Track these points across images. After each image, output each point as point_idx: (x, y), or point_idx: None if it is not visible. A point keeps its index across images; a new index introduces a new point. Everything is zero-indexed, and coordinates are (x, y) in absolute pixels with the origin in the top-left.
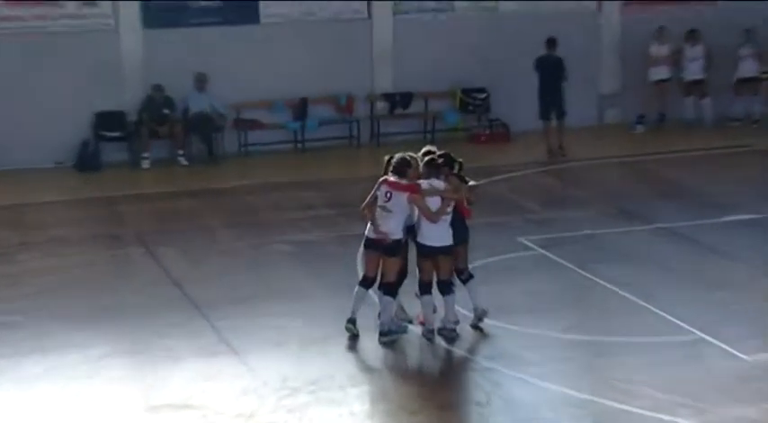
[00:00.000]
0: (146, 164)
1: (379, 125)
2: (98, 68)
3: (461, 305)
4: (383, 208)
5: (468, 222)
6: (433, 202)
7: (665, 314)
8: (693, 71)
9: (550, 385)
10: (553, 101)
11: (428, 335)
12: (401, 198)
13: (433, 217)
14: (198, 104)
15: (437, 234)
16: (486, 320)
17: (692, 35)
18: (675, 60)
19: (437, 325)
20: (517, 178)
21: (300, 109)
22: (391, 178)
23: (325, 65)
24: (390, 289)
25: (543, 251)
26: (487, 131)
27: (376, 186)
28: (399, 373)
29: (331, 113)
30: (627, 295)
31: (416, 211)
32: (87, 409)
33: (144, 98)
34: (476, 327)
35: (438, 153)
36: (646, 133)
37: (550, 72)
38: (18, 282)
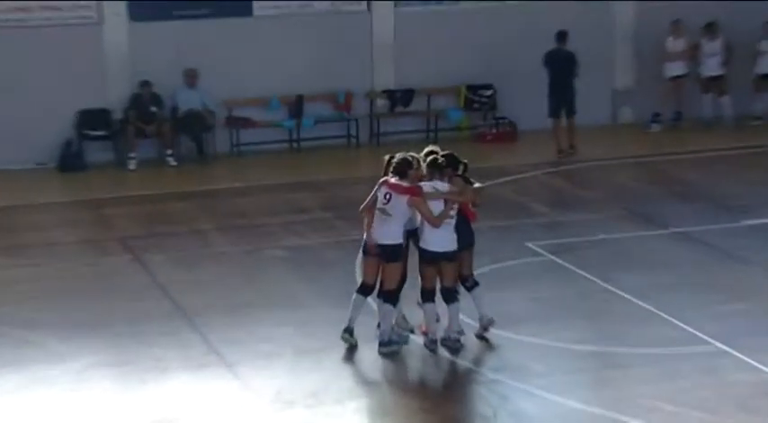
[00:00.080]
0: (132, 164)
1: (378, 124)
2: (81, 64)
3: (466, 314)
4: (382, 210)
5: (472, 226)
6: (436, 206)
7: (680, 323)
8: (711, 67)
9: (559, 398)
10: (563, 98)
11: (431, 345)
12: (401, 201)
13: (436, 221)
14: (187, 101)
15: (440, 239)
16: (492, 330)
17: (710, 28)
18: (692, 55)
19: (440, 335)
20: (525, 180)
21: (296, 106)
22: (391, 179)
23: (322, 60)
24: (390, 297)
25: (552, 257)
26: (493, 130)
27: (376, 187)
28: (400, 386)
29: (328, 111)
30: (640, 303)
31: (418, 215)
32: None
33: (130, 95)
34: (481, 337)
35: (441, 153)
36: (661, 132)
37: (561, 67)
38: None
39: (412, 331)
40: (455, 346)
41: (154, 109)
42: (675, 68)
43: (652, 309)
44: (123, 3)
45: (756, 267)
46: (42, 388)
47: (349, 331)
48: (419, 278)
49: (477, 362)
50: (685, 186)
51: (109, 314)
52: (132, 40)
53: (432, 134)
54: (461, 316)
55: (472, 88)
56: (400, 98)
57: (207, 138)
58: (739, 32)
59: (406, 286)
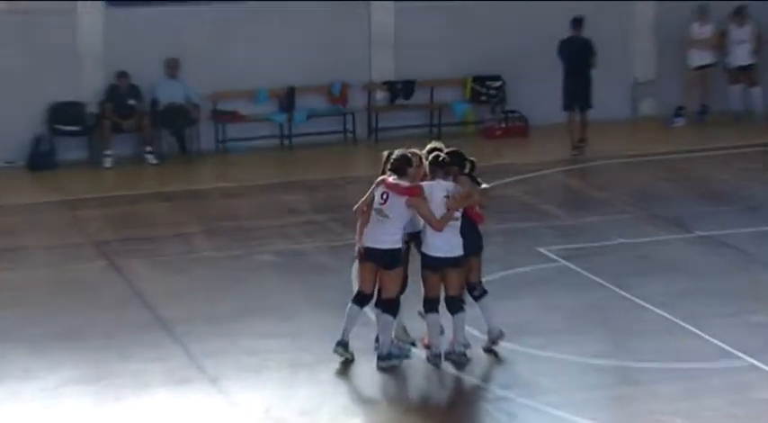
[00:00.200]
0: (108, 162)
1: (377, 118)
2: (53, 52)
3: (473, 325)
4: (379, 211)
5: (479, 229)
6: (438, 207)
7: (705, 335)
8: (740, 55)
9: (573, 417)
10: (579, 90)
11: (434, 359)
12: (399, 201)
13: (437, 224)
14: (169, 94)
15: (444, 243)
16: (501, 343)
17: (739, 14)
18: (719, 43)
19: (444, 348)
20: (537, 179)
21: (287, 99)
22: (390, 178)
23: (316, 48)
24: (390, 306)
25: (567, 263)
26: (503, 125)
27: (373, 186)
28: (401, 403)
29: (322, 104)
30: (661, 313)
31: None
32: None
33: (106, 87)
34: (489, 350)
35: (447, 150)
36: (685, 127)
37: (576, 56)
38: None
39: (413, 344)
40: (460, 361)
41: (132, 102)
42: (701, 57)
43: (674, 319)
44: None
45: None
46: (13, 405)
47: (343, 344)
48: (422, 286)
49: (485, 377)
50: (711, 186)
51: (83, 325)
52: (108, 26)
53: (435, 129)
54: (467, 327)
55: (479, 79)
56: (401, 90)
57: (190, 133)
58: None
59: (407, 294)
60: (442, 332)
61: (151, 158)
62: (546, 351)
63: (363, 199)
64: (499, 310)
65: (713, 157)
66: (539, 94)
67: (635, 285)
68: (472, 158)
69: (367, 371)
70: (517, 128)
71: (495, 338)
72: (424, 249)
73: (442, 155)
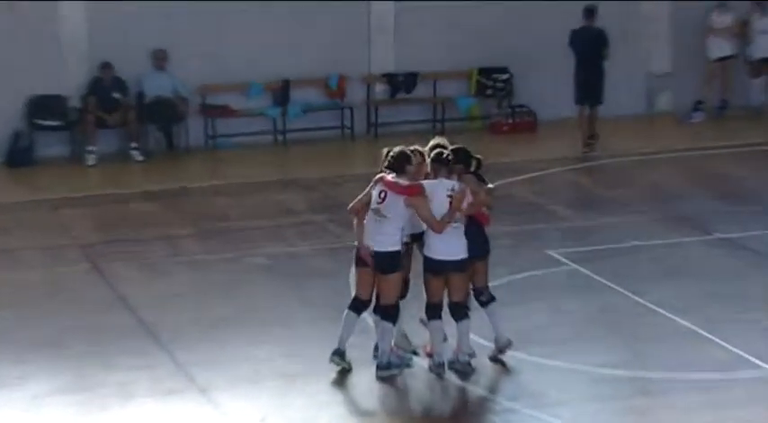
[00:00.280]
0: (91, 159)
1: (377, 113)
2: (33, 43)
3: (478, 333)
4: (376, 211)
5: (486, 231)
6: (440, 207)
7: (725, 343)
8: (763, 47)
9: None
10: (591, 83)
11: (437, 369)
12: (398, 200)
13: (437, 225)
14: (156, 87)
15: (447, 245)
16: (508, 352)
17: (762, 2)
18: (741, 33)
19: (448, 357)
20: (546, 178)
21: (281, 93)
22: (389, 176)
23: (312, 39)
24: (389, 313)
25: (577, 266)
26: (510, 120)
27: (371, 184)
28: (401, 415)
29: (319, 98)
30: (678, 320)
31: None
32: None
33: (89, 79)
34: (495, 359)
35: (452, 147)
36: (704, 123)
37: (589, 48)
38: None
39: (415, 352)
40: (465, 370)
41: (117, 95)
42: (721, 48)
43: (691, 326)
44: None
45: None
46: None
47: (339, 354)
48: (424, 291)
49: (491, 388)
50: (730, 185)
51: (66, 331)
52: (92, 15)
53: (438, 125)
54: (472, 335)
55: (485, 72)
56: (402, 83)
57: (178, 128)
58: None
59: (408, 299)
60: (445, 340)
61: (137, 155)
62: (555, 360)
63: (359, 198)
64: (505, 316)
65: (733, 154)
66: (548, 87)
67: (649, 290)
68: (478, 156)
69: (365, 381)
70: (525, 123)
71: (502, 347)
72: (425, 252)
73: (446, 152)
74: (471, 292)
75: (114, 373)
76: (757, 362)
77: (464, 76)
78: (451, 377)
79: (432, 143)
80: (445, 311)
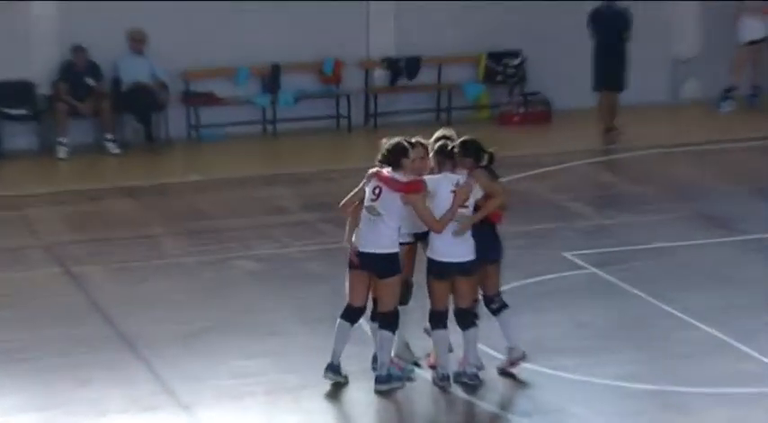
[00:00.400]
0: (62, 152)
1: (376, 101)
2: None
3: (486, 342)
4: (370, 209)
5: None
6: (443, 204)
7: (761, 356)
8: None
9: None
10: (612, 68)
11: (442, 382)
12: (394, 197)
13: (437, 225)
14: (133, 72)
15: (452, 246)
16: (520, 363)
17: None
18: None
19: (454, 369)
20: (562, 172)
21: (271, 79)
22: (384, 171)
23: (305, 20)
24: (388, 321)
25: (596, 270)
26: (522, 110)
27: (364, 179)
28: None
29: (312, 85)
30: (708, 329)
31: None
32: None
33: (60, 64)
34: (504, 373)
35: (462, 139)
36: (735, 112)
37: (609, 29)
38: None
39: (417, 364)
40: (473, 383)
41: (90, 81)
42: (753, 30)
43: (723, 336)
44: None
45: None
46: None
47: (333, 369)
48: (428, 297)
49: (501, 404)
50: (765, 181)
51: (33, 342)
52: None
53: (443, 114)
54: (480, 345)
55: (495, 56)
56: (403, 68)
57: (158, 118)
58: None
59: (411, 305)
60: (450, 350)
61: (112, 147)
62: (573, 373)
63: (352, 194)
64: (518, 324)
65: (766, 147)
66: (564, 73)
67: (675, 296)
68: (491, 149)
69: (363, 395)
70: (539, 113)
71: (515, 359)
72: (429, 253)
73: (449, 143)
74: (480, 299)
75: (86, 387)
76: None
77: (472, 60)
78: (457, 391)
79: (436, 135)
80: (451, 319)
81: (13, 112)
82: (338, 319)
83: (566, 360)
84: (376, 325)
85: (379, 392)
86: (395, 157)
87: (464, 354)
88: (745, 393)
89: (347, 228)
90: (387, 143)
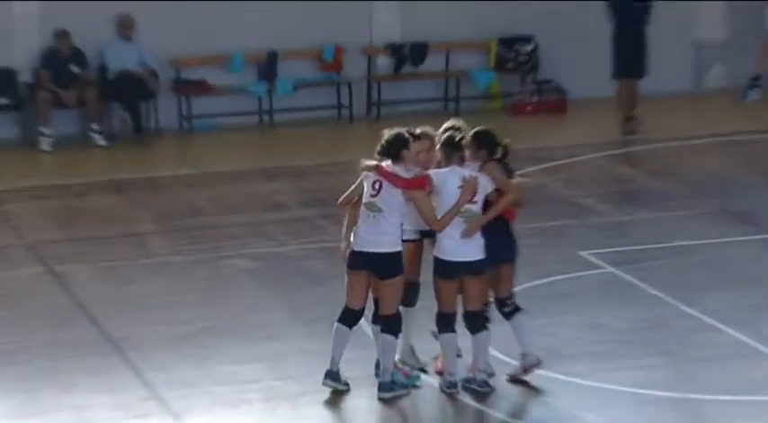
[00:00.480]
0: (45, 144)
1: (379, 89)
2: None
3: (497, 347)
4: (369, 205)
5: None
6: (449, 199)
7: None
8: None
9: None
10: (631, 54)
11: (449, 389)
12: (395, 191)
13: (437, 224)
14: (121, 59)
15: (460, 244)
16: (534, 370)
17: None
18: None
19: (462, 375)
20: (577, 165)
21: (267, 66)
22: (385, 165)
23: (304, 4)
24: (391, 324)
25: (614, 270)
26: (535, 99)
27: (363, 173)
28: None
29: (311, 72)
30: (734, 334)
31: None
32: None
33: (43, 50)
34: (515, 379)
35: (475, 130)
36: (762, 101)
37: (628, 13)
38: None
39: (423, 370)
40: (483, 391)
41: (75, 69)
42: None
43: (748, 340)
44: None
45: None
46: None
47: (332, 376)
48: (435, 298)
49: (513, 412)
50: None
51: (15, 346)
52: None
53: (451, 104)
54: (491, 349)
55: (506, 42)
56: (408, 55)
57: (147, 108)
58: None
59: (417, 307)
60: (459, 355)
61: (98, 139)
62: (589, 379)
63: (350, 190)
64: (532, 328)
65: None
66: (580, 60)
67: (698, 298)
68: (506, 141)
69: (365, 402)
70: (553, 102)
71: (529, 366)
72: (435, 252)
73: (456, 135)
74: (492, 301)
75: (71, 393)
76: None
77: (481, 46)
78: (466, 398)
79: (445, 125)
80: (460, 322)
81: None
82: (335, 323)
83: (580, 365)
84: (377, 328)
85: (382, 400)
86: (395, 148)
87: (473, 359)
88: None
89: (344, 224)
90: (387, 134)
